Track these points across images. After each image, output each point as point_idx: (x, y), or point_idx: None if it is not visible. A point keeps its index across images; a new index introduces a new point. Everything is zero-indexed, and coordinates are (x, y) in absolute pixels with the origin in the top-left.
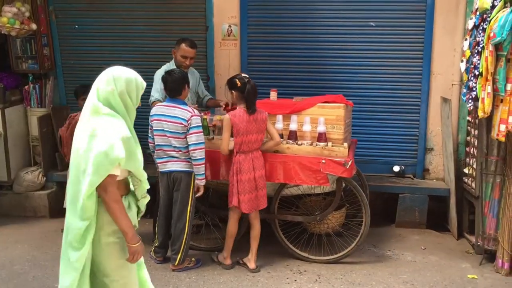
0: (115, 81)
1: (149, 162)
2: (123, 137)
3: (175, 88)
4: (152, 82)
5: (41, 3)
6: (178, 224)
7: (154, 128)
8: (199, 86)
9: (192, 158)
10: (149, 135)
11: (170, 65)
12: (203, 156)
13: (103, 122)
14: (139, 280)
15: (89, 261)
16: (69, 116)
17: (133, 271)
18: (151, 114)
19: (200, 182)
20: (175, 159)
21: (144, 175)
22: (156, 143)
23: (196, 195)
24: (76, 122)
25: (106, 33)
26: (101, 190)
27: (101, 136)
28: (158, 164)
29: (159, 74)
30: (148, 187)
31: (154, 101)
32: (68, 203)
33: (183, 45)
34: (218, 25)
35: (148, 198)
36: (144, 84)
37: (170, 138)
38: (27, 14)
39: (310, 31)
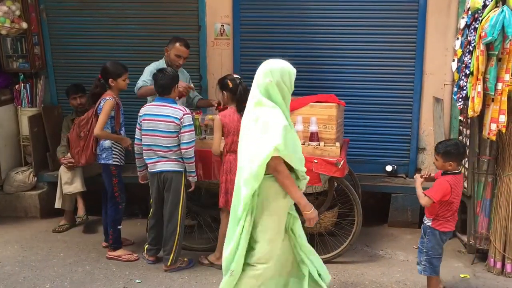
0: (272, 73)
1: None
2: (283, 126)
3: (167, 85)
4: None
5: (31, 2)
6: (170, 224)
7: (143, 128)
8: None
9: (185, 156)
10: (136, 136)
11: (160, 63)
12: (194, 154)
13: (266, 112)
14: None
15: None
16: (75, 119)
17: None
18: (140, 114)
19: (193, 178)
20: (165, 159)
21: (295, 162)
22: (145, 143)
23: (188, 190)
24: (79, 124)
25: (97, 32)
26: (273, 171)
27: (263, 124)
28: (148, 165)
29: (149, 68)
30: (305, 170)
31: (142, 86)
32: (235, 189)
33: (178, 44)
34: (211, 25)
35: (307, 179)
36: (295, 70)
37: (161, 138)
38: (17, 12)
39: (302, 31)
